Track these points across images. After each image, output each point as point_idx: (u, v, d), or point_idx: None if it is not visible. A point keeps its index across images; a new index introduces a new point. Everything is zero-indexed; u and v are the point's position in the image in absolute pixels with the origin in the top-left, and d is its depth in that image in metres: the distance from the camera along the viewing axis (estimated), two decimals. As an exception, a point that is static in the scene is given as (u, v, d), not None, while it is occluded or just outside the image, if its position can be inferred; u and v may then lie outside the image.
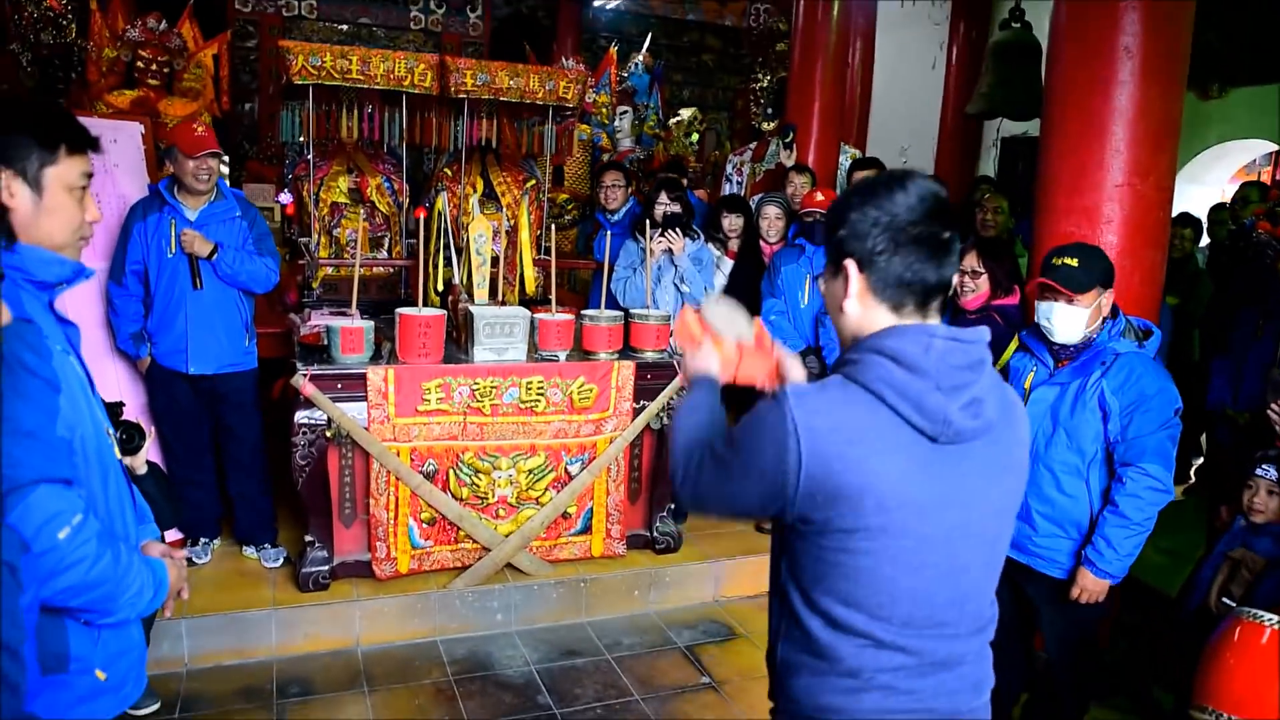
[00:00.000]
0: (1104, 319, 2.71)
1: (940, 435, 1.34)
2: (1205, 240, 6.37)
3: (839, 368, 1.43)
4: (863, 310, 1.42)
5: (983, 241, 3.97)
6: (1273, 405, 3.14)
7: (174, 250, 3.62)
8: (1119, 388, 2.63)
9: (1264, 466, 2.92)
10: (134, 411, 3.81)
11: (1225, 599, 2.80)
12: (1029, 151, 7.39)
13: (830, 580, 1.38)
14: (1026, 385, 2.79)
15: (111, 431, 1.73)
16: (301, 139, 4.84)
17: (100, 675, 1.63)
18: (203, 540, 3.96)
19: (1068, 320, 2.65)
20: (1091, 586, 2.68)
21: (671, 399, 4.09)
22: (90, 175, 1.66)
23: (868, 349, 1.38)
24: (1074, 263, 2.62)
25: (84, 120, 1.78)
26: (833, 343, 4.33)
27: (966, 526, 1.39)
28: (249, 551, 4.01)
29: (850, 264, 1.40)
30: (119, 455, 1.75)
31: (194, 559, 3.89)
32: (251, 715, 3.22)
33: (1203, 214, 6.36)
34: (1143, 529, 2.63)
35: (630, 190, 5.22)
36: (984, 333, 1.42)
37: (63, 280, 1.62)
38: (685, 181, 5.95)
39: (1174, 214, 3.76)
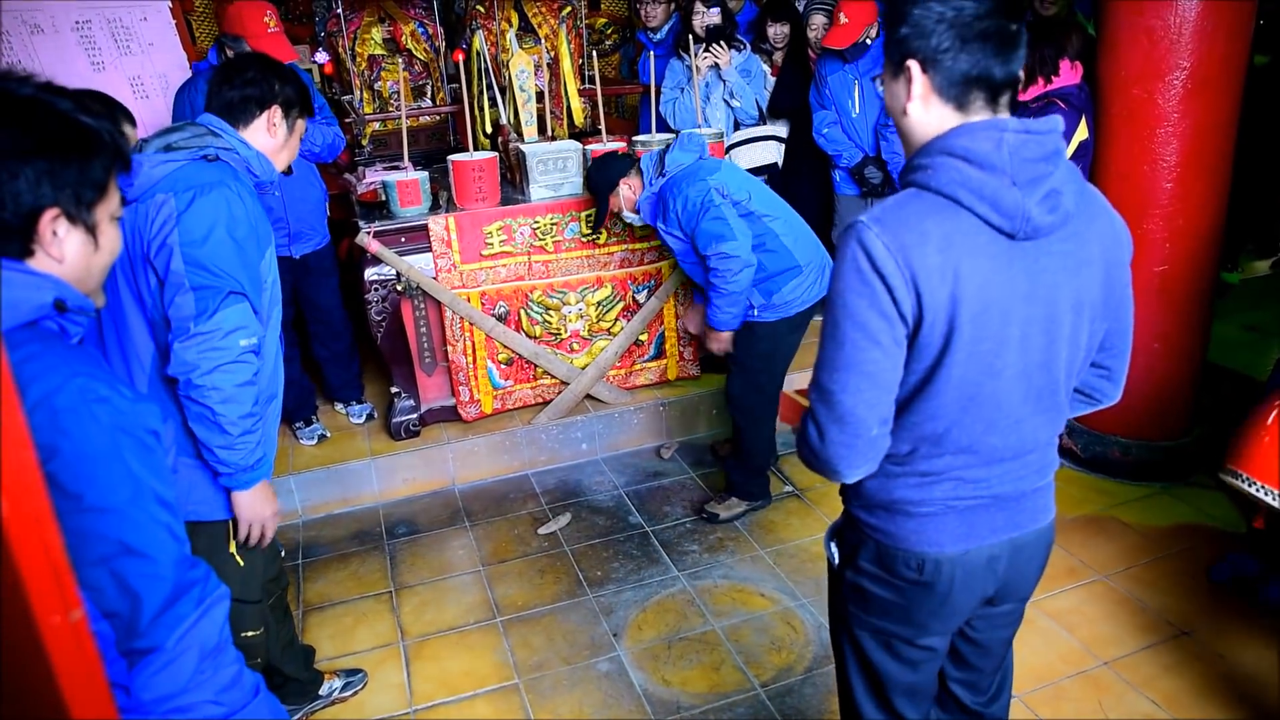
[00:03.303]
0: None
1: (1019, 231, 1.30)
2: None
3: (908, 175, 1.37)
4: (927, 112, 1.35)
5: (1036, 24, 3.67)
6: None
7: None
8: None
9: None
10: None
11: None
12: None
13: (916, 399, 1.39)
14: None
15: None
16: (329, -8, 4.70)
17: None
18: (312, 424, 4.01)
19: None
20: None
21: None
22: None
23: (937, 151, 1.32)
24: None
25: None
26: (896, 156, 4.11)
27: (1045, 322, 1.36)
28: (339, 408, 4.19)
29: (913, 64, 1.32)
30: None
31: (303, 440, 3.97)
32: (367, 554, 3.46)
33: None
34: None
35: (672, 6, 4.95)
36: (1057, 121, 1.34)
37: (264, 181, 2.13)
38: None
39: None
